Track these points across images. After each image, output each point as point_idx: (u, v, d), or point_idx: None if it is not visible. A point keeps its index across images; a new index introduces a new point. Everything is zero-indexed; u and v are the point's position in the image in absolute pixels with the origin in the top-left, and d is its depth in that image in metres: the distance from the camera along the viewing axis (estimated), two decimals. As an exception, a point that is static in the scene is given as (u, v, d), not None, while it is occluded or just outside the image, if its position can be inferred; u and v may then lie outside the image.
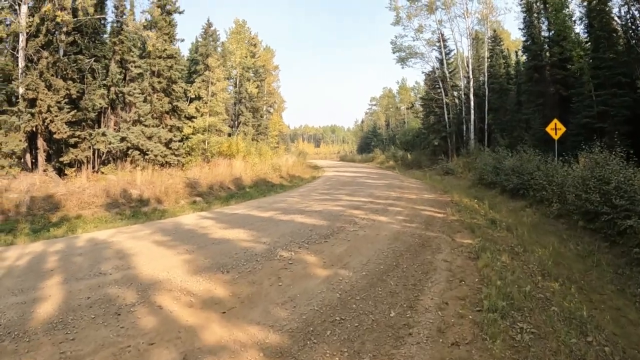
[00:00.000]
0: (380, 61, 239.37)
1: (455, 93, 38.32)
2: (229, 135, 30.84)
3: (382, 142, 65.92)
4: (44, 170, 17.89)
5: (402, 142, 49.75)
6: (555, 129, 17.60)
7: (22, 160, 17.90)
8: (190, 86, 26.28)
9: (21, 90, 17.51)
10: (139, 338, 4.80)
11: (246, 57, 37.83)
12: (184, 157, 23.90)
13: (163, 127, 23.05)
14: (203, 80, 27.13)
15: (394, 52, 40.89)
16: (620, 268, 8.76)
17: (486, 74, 34.40)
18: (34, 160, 18.56)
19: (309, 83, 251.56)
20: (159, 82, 23.07)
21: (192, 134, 25.07)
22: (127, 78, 22.89)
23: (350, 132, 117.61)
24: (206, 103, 26.67)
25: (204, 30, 30.37)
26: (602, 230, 10.47)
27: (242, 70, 37.47)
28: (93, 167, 20.52)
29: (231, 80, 37.53)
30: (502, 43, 36.45)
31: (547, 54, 24.92)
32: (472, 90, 34.33)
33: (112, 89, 21.62)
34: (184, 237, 9.82)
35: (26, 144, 17.77)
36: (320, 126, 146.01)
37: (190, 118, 25.72)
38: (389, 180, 24.84)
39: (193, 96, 26.43)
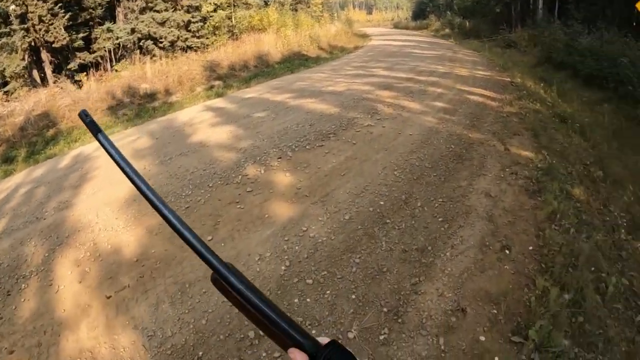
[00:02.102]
0: None
1: (524, -49, 31.33)
2: (263, 7, 26.87)
3: (439, 7, 59.06)
4: (54, 82, 15.91)
5: (460, 8, 43.74)
6: (650, 5, 12.98)
7: (30, 78, 16.23)
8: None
9: (11, 8, 15.30)
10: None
11: None
12: (207, 39, 20.83)
13: (179, 9, 19.83)
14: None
15: None
16: None
17: None
18: (42, 75, 16.74)
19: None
20: (168, -44, 19.41)
21: (214, 11, 21.56)
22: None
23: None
24: (227, -27, 22.59)
25: None
26: None
27: None
28: (111, 66, 18.27)
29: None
30: None
31: None
32: (543, -53, 27.55)
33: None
34: (161, 144, 7.46)
35: (28, 61, 16.04)
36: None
37: (210, -7, 22.04)
38: (440, 51, 20.66)
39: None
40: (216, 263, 0.62)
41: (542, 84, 11.14)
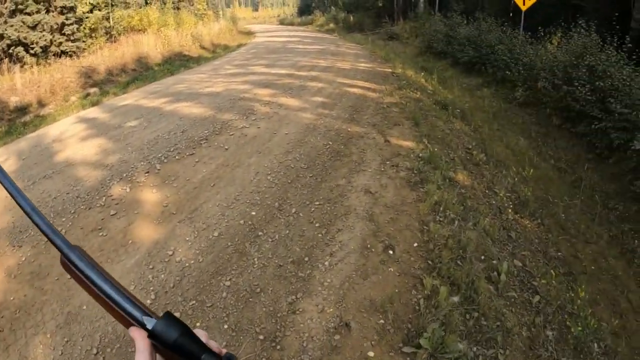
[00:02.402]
0: None
1: (408, -50, 32.83)
2: (143, 6, 25.50)
3: (324, 3, 60.57)
4: None
5: (344, 3, 44.98)
6: (525, -3, 13.85)
7: None
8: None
9: None
10: None
11: None
12: (83, 42, 19.29)
13: (52, 11, 18.16)
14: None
15: None
16: (612, 200, 6.39)
17: None
18: None
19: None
20: (39, -45, 17.59)
21: (90, 11, 20.05)
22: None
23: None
24: (103, -29, 21.13)
25: None
26: (586, 136, 7.98)
27: None
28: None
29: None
30: None
31: None
32: (426, -57, 28.96)
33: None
34: (27, 166, 6.53)
35: None
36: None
37: (85, -7, 20.46)
38: (323, 46, 20.94)
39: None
40: (63, 245, 0.64)
41: (423, 73, 11.43)
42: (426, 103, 7.99)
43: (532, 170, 6.37)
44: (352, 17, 36.58)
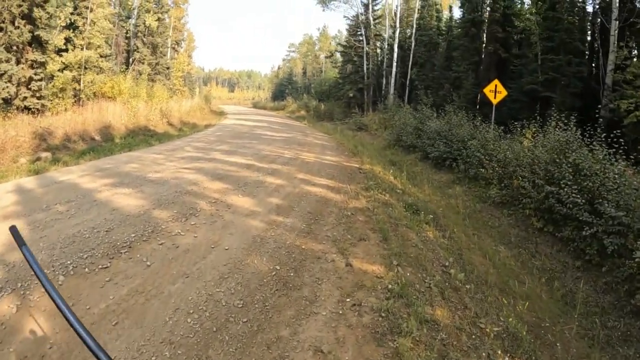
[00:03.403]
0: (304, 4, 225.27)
1: (379, 43, 33.74)
2: (118, 73, 24.86)
3: (297, 90, 62.05)
4: None
5: (317, 91, 45.97)
6: (495, 91, 13.41)
7: None
8: (61, 11, 19.94)
9: None
10: None
11: (146, -19, 31.15)
12: (50, 101, 18.28)
13: (23, 63, 17.21)
14: (83, 5, 20.78)
15: (313, -11, 36.09)
16: (610, 316, 5.68)
17: (414, 26, 29.79)
18: None
19: (228, 22, 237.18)
20: (18, 5, 16.60)
21: (61, 70, 19.20)
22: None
23: (267, 79, 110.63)
24: (81, 33, 20.55)
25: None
26: (573, 241, 7.27)
27: (140, -1, 30.92)
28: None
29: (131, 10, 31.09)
30: (435, -5, 31.39)
31: (488, 8, 20.89)
32: (396, 40, 29.77)
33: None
34: None
35: None
36: (236, 70, 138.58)
37: (60, 51, 19.67)
38: (291, 133, 20.37)
39: (64, 24, 20.23)
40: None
41: (391, 169, 10.66)
42: (396, 208, 6.98)
43: (519, 295, 5.40)
44: (322, 106, 37.07)
